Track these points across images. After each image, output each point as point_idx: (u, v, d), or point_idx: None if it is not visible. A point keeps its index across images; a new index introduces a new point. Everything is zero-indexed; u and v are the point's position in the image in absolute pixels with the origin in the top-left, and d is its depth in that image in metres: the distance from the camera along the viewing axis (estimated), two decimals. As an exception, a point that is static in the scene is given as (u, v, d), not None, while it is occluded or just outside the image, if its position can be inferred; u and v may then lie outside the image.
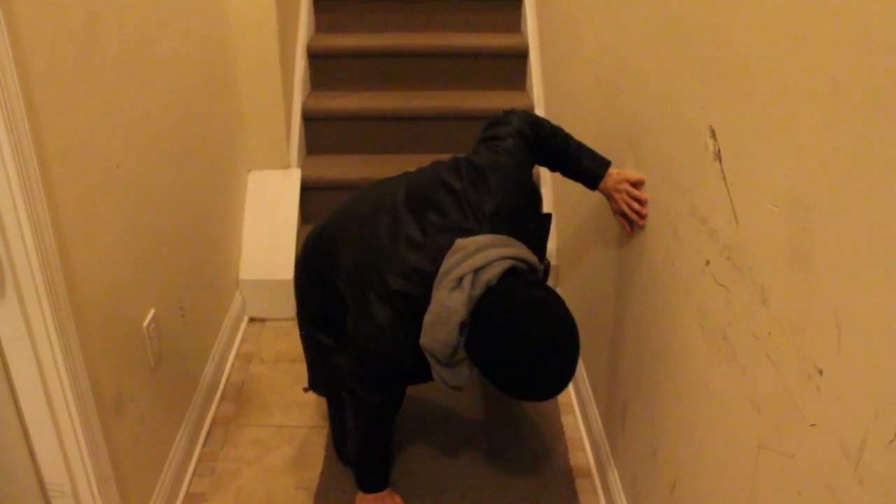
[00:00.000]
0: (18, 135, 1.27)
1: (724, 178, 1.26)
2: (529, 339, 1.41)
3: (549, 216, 1.80)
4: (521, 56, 3.37)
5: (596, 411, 2.22)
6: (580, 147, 1.84)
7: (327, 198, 3.07)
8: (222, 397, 2.49)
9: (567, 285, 2.69)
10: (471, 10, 3.57)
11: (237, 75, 2.80)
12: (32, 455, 1.54)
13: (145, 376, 1.86)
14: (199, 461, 2.23)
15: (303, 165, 3.14)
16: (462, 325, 1.47)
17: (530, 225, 1.72)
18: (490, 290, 1.46)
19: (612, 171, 1.81)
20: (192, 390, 2.25)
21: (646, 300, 1.71)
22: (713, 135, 1.30)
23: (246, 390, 2.53)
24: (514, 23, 3.57)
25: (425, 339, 1.52)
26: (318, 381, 2.10)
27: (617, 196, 1.78)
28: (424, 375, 1.63)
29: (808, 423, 1.01)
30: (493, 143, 1.75)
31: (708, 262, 1.34)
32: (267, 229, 2.88)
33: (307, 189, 3.07)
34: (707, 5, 1.32)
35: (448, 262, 1.51)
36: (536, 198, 1.77)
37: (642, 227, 1.74)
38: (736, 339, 1.23)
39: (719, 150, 1.28)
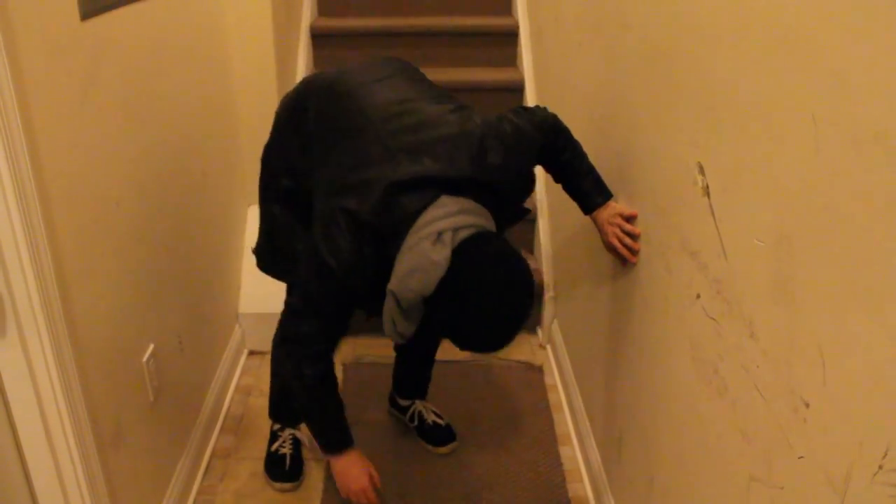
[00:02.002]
0: (21, 174, 1.29)
1: (713, 214, 1.28)
2: (501, 289, 1.45)
3: (527, 210, 1.83)
4: (517, 90, 3.41)
5: (593, 442, 2.22)
6: (590, 170, 1.85)
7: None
8: (222, 430, 2.50)
9: (563, 314, 2.71)
10: (466, 46, 3.61)
11: (237, 110, 2.83)
12: (31, 490, 1.54)
13: (144, 410, 1.87)
14: (198, 494, 2.23)
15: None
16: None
17: (507, 207, 1.72)
18: (465, 242, 1.47)
19: (611, 203, 1.83)
20: (191, 423, 2.26)
21: (640, 331, 1.73)
22: (701, 170, 1.33)
23: (245, 423, 2.54)
24: (511, 58, 3.62)
25: (398, 286, 1.51)
26: (264, 259, 2.06)
27: (609, 229, 1.80)
28: (370, 308, 1.65)
29: (796, 455, 1.02)
30: (528, 114, 1.76)
31: (699, 296, 1.36)
32: (266, 262, 2.90)
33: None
34: (693, 44, 1.36)
35: (430, 213, 1.50)
36: (529, 186, 1.76)
37: (634, 263, 1.76)
38: (727, 371, 1.24)
39: (707, 186, 1.30)
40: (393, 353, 2.45)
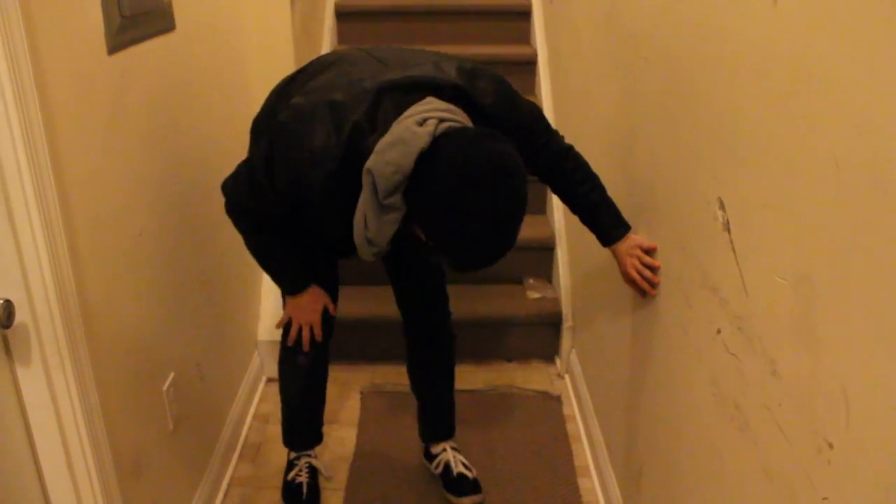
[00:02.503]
0: (48, 204, 1.31)
1: (734, 249, 1.28)
2: (487, 175, 1.33)
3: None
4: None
5: (612, 474, 2.21)
6: (609, 204, 1.84)
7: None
8: (240, 458, 2.50)
9: (581, 344, 2.70)
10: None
11: (258, 139, 2.86)
12: (52, 519, 1.55)
13: (164, 439, 1.88)
14: (215, 523, 2.24)
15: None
16: (420, 156, 1.39)
17: None
18: (449, 129, 1.42)
19: (630, 235, 1.83)
20: (209, 451, 2.27)
21: (660, 365, 1.72)
22: (722, 206, 1.33)
23: (263, 451, 2.54)
24: (529, 85, 3.64)
25: (375, 161, 1.42)
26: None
27: (628, 261, 1.80)
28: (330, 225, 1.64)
29: (819, 497, 1.01)
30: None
31: (719, 331, 1.35)
32: (285, 290, 2.92)
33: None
34: (714, 80, 1.36)
35: (415, 107, 1.46)
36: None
37: (654, 296, 1.75)
38: (748, 408, 1.24)
39: (728, 222, 1.30)
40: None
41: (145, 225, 1.74)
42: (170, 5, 1.89)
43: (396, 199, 1.43)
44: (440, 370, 2.30)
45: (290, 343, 2.07)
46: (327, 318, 2.07)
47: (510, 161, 1.36)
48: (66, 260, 1.37)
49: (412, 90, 1.51)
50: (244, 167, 1.68)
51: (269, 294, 2.90)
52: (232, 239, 2.47)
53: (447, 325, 2.24)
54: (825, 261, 0.99)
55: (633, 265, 1.79)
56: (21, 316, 1.33)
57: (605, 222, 1.84)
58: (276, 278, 1.95)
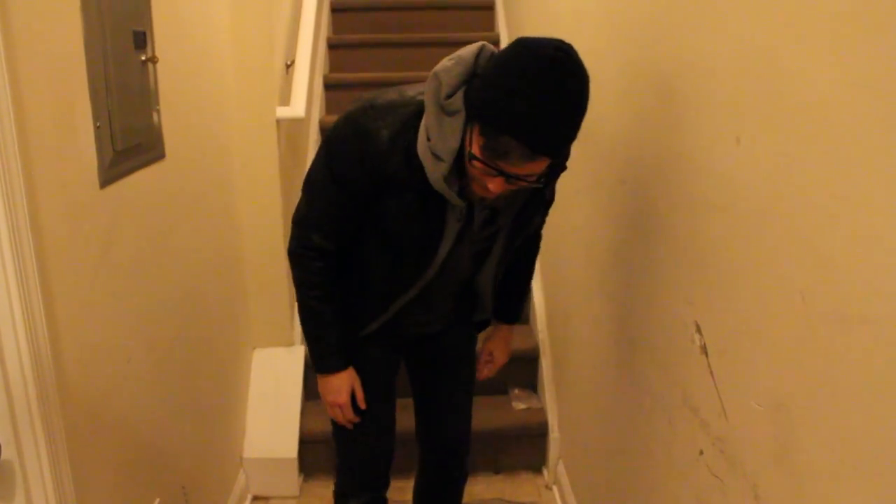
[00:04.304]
0: (38, 342, 1.33)
1: (712, 373, 1.31)
2: (550, 56, 1.27)
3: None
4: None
5: (604, 593, 2.17)
6: (523, 297, 2.02)
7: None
8: (223, 583, 2.44)
9: (569, 455, 2.69)
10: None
11: (244, 256, 2.90)
12: None
13: (147, 569, 1.84)
14: None
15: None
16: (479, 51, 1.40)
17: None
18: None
19: (505, 332, 2.05)
20: (193, 578, 2.22)
21: (646, 481, 1.72)
22: (699, 329, 1.36)
23: (247, 575, 2.48)
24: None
25: (440, 65, 1.42)
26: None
27: (492, 348, 2.05)
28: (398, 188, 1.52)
29: None
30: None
31: (702, 452, 1.37)
32: (271, 407, 2.91)
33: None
34: (685, 209, 1.42)
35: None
36: None
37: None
38: (734, 532, 1.24)
39: (705, 345, 1.34)
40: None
41: (133, 351, 1.76)
42: (160, 134, 1.95)
43: (457, 99, 1.40)
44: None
45: (342, 422, 1.86)
46: (385, 459, 1.96)
47: (574, 57, 1.32)
48: (55, 393, 1.38)
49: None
50: (302, 195, 1.68)
51: (254, 410, 2.89)
52: (219, 356, 2.48)
53: (467, 446, 2.13)
54: (800, 391, 1.02)
55: (489, 354, 2.05)
56: (7, 453, 1.33)
57: (510, 309, 2.01)
58: (312, 348, 1.79)
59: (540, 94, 1.27)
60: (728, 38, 1.22)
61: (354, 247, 1.69)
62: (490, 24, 4.48)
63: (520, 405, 3.03)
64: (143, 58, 1.81)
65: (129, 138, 1.73)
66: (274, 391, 2.94)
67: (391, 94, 1.53)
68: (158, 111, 1.92)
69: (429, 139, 1.43)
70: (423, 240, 1.60)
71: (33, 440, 1.35)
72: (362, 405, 1.82)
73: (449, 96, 1.40)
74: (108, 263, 1.63)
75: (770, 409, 1.10)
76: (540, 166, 1.36)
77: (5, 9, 1.23)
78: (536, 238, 1.93)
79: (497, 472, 3.02)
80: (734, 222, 1.20)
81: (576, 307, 2.44)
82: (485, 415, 2.98)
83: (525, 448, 3.00)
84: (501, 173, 1.36)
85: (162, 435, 1.95)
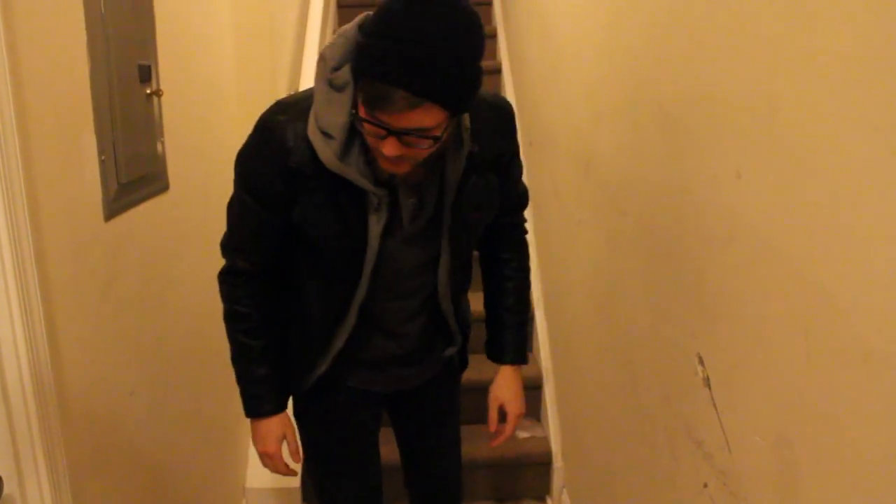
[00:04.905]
0: (42, 378, 1.33)
1: (715, 406, 1.31)
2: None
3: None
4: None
5: None
6: (523, 323, 1.75)
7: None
8: None
9: (574, 484, 2.68)
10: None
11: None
12: None
13: None
14: None
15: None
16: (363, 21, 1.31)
17: None
18: None
19: (509, 375, 1.76)
20: None
21: (651, 515, 1.72)
22: (701, 361, 1.36)
23: None
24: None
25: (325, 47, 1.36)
26: None
27: (501, 395, 1.77)
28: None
29: None
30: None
31: (706, 485, 1.37)
32: (273, 436, 2.90)
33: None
34: (687, 240, 1.42)
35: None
36: None
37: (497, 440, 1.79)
38: (739, 567, 1.24)
39: (708, 378, 1.34)
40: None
41: (136, 384, 1.76)
42: (164, 166, 1.96)
43: (345, 72, 1.33)
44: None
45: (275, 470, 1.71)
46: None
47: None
48: (57, 428, 1.38)
49: None
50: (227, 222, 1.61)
51: (256, 440, 2.88)
52: (223, 384, 2.48)
53: (460, 491, 2.00)
54: (802, 427, 1.02)
55: (493, 406, 1.77)
56: (9, 488, 1.33)
57: (506, 342, 1.74)
58: (240, 388, 1.66)
59: (407, 31, 1.18)
60: (728, 72, 1.23)
61: (289, 279, 1.60)
62: (487, 19, 4.52)
63: (523, 434, 3.02)
64: (148, 91, 1.83)
65: (134, 171, 1.74)
66: (276, 420, 2.93)
67: (302, 91, 1.46)
68: (163, 143, 1.93)
69: (318, 119, 1.36)
70: (344, 241, 1.45)
71: (35, 474, 1.35)
72: (295, 457, 1.67)
73: (335, 69, 1.33)
74: (111, 296, 1.63)
75: (773, 443, 1.10)
76: (430, 116, 1.22)
77: (13, 45, 1.25)
78: (514, 245, 1.73)
79: (500, 501, 3.00)
80: (736, 255, 1.21)
81: (578, 336, 2.44)
82: (487, 444, 2.97)
83: (529, 477, 2.98)
84: (389, 131, 1.24)
85: (165, 467, 1.95)
